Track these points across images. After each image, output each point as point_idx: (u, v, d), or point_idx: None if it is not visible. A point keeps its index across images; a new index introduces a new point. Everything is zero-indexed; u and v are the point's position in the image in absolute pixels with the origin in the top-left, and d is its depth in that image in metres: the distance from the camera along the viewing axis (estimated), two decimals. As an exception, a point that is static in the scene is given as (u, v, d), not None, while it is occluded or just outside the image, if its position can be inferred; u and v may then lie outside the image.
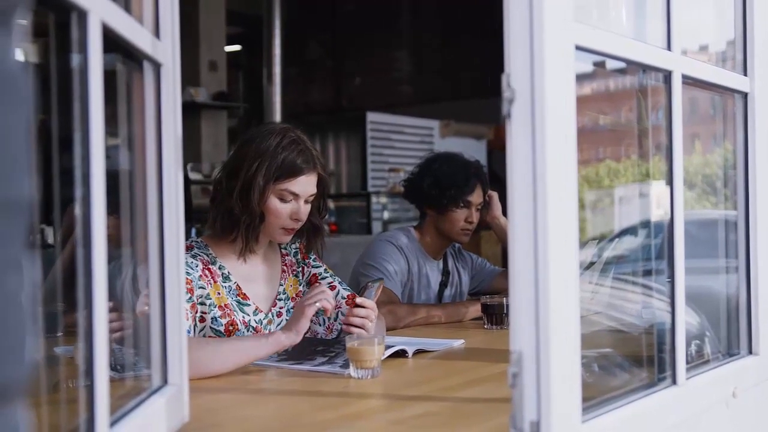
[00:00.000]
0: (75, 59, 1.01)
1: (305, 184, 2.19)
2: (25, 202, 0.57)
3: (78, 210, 1.01)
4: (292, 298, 2.34)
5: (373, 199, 7.54)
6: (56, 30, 1.04)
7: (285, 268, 2.37)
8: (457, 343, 2.32)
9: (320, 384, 1.81)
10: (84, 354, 1.00)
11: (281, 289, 2.33)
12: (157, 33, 1.34)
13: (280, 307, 2.31)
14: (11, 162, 0.55)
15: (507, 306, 2.62)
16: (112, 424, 1.08)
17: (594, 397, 1.31)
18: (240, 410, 1.64)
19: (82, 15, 0.99)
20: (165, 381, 1.36)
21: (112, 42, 1.10)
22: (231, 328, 2.15)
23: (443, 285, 3.12)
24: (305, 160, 2.18)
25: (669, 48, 1.50)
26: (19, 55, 0.58)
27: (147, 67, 1.32)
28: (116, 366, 1.36)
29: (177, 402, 1.37)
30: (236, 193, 2.15)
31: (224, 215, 2.18)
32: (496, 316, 2.62)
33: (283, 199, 2.18)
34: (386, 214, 7.60)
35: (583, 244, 1.30)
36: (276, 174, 2.15)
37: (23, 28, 0.59)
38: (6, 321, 0.54)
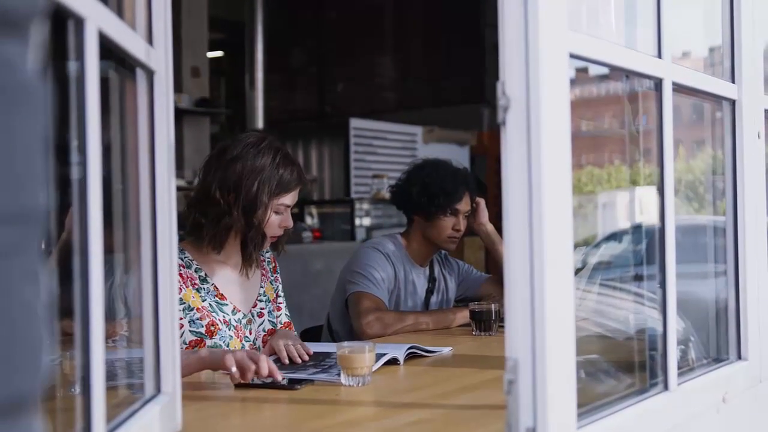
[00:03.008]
0: (71, 66, 1.01)
1: (296, 195, 2.32)
2: (40, 212, 0.56)
3: (74, 217, 1.01)
4: (272, 300, 2.42)
5: (357, 205, 7.52)
6: (51, 37, 1.03)
7: (264, 272, 2.44)
8: (446, 350, 2.32)
9: (312, 392, 1.80)
10: (81, 363, 0.99)
11: (261, 291, 2.40)
12: (150, 40, 1.33)
13: (261, 308, 2.38)
14: (28, 172, 0.55)
15: (495, 312, 2.63)
16: (108, 433, 1.07)
17: (588, 403, 1.32)
18: (232, 419, 1.63)
19: (79, 22, 0.98)
20: (158, 390, 1.35)
21: (106, 49, 1.10)
22: (212, 328, 2.21)
23: (430, 292, 3.11)
24: (299, 173, 2.30)
25: (659, 56, 1.51)
26: (36, 65, 0.57)
27: (140, 75, 1.32)
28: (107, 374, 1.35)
29: (170, 411, 1.36)
30: (238, 211, 2.21)
31: (224, 231, 2.23)
32: (485, 322, 2.62)
33: (277, 212, 2.28)
34: (370, 221, 7.59)
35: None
36: (277, 191, 2.24)
37: (39, 38, 0.59)
38: (23, 332, 0.54)
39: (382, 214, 7.68)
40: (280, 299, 2.49)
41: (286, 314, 2.49)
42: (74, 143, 1.00)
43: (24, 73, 0.56)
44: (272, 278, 2.47)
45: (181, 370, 1.95)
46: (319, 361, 2.11)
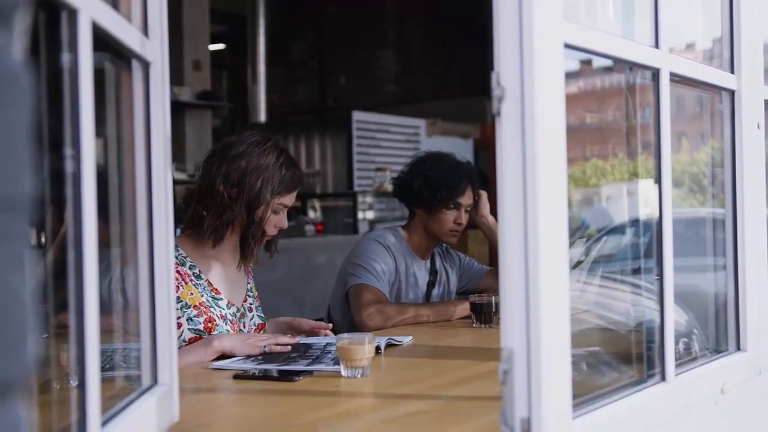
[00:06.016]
0: (64, 58, 1.01)
1: (294, 197, 2.36)
2: (27, 199, 0.57)
3: (68, 211, 1.01)
4: (257, 296, 2.48)
5: (360, 198, 7.52)
6: (45, 28, 1.03)
7: (250, 270, 2.48)
8: (406, 340, 2.34)
9: (310, 384, 1.81)
10: (76, 355, 1.00)
11: (249, 287, 2.45)
12: (145, 31, 1.33)
13: (250, 303, 2.43)
14: (14, 160, 0.55)
15: (496, 305, 2.63)
16: (104, 423, 1.07)
17: (585, 394, 1.32)
18: (230, 410, 1.63)
19: (72, 13, 0.98)
20: (155, 381, 1.35)
21: (101, 40, 1.10)
22: (210, 324, 2.23)
23: (431, 284, 3.12)
24: (300, 175, 2.35)
25: (657, 46, 1.51)
26: (20, 54, 0.58)
27: (135, 66, 1.32)
28: (103, 365, 1.36)
29: (167, 402, 1.37)
30: (241, 207, 2.24)
31: (225, 225, 2.26)
32: (485, 314, 2.62)
33: (275, 212, 2.31)
34: (373, 214, 7.59)
35: (570, 242, 1.30)
36: (279, 189, 2.28)
37: (23, 27, 0.59)
38: (9, 318, 0.54)
39: (385, 208, 7.68)
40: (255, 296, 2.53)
41: (259, 316, 2.50)
42: (69, 136, 1.01)
43: (8, 62, 0.56)
44: (253, 276, 2.52)
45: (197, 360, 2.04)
46: (303, 352, 2.11)
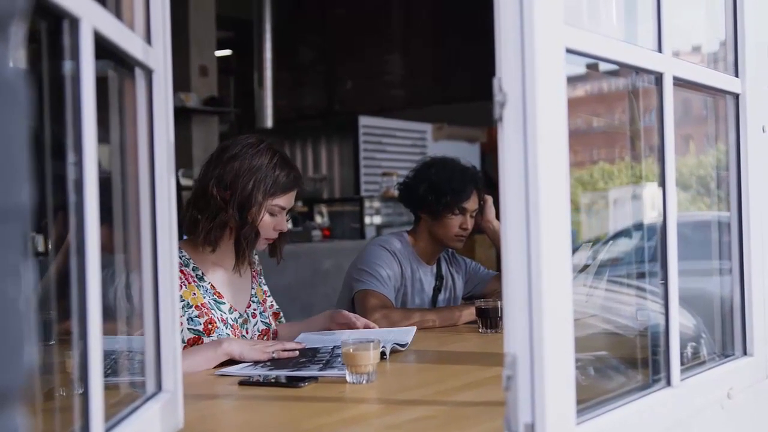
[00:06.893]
0: (67, 66, 1.01)
1: (292, 198, 2.34)
2: (23, 209, 0.57)
3: (71, 218, 1.01)
4: (262, 302, 2.46)
5: (366, 203, 7.52)
6: (47, 36, 1.04)
7: (254, 274, 2.48)
8: (410, 335, 2.36)
9: (315, 390, 1.80)
10: (79, 361, 1.00)
11: (253, 292, 2.44)
12: (148, 39, 1.34)
13: (254, 309, 2.42)
14: (10, 169, 0.55)
15: (501, 309, 2.62)
16: (107, 430, 1.07)
17: (589, 399, 1.31)
18: (235, 417, 1.63)
19: (74, 22, 0.98)
20: (159, 387, 1.36)
21: (104, 48, 1.10)
22: (210, 326, 2.24)
23: (437, 290, 3.11)
24: (296, 176, 2.33)
25: (660, 50, 1.51)
26: (17, 63, 0.58)
27: (138, 74, 1.32)
28: (108, 371, 1.36)
29: (171, 408, 1.37)
30: (233, 208, 2.24)
31: (219, 227, 2.26)
32: (491, 319, 2.62)
33: (272, 213, 2.30)
34: (379, 219, 7.59)
35: (577, 246, 1.30)
36: (272, 190, 2.27)
37: (21, 36, 0.60)
38: (5, 327, 0.54)
39: (391, 212, 7.68)
40: (270, 297, 2.53)
41: (263, 321, 2.49)
42: (72, 144, 1.01)
43: (5, 71, 0.56)
44: (260, 281, 2.52)
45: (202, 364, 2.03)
46: (312, 357, 2.11)
